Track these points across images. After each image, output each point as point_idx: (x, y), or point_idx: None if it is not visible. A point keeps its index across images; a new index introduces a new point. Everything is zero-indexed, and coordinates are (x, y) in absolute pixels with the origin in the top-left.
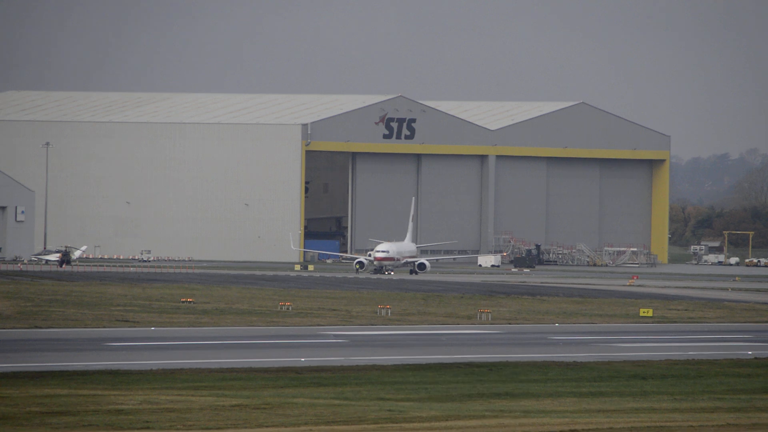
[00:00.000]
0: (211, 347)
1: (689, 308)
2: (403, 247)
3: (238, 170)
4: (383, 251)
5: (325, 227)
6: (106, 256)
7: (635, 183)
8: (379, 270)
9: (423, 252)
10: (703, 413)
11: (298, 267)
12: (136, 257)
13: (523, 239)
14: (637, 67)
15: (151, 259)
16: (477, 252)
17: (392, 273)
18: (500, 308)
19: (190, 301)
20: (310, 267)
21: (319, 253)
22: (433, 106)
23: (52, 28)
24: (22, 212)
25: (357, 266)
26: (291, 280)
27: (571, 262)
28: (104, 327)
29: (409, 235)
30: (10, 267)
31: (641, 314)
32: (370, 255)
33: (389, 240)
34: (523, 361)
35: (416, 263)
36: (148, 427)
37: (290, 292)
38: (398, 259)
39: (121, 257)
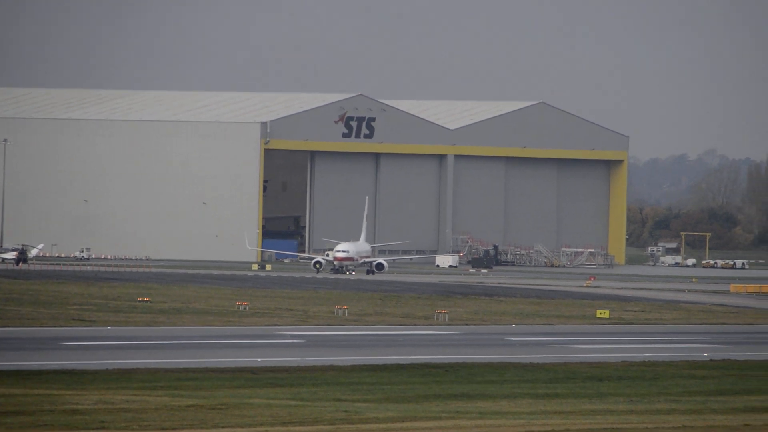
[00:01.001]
0: (167, 347)
1: (646, 309)
2: (360, 247)
3: (196, 168)
4: (343, 251)
5: (283, 226)
6: (63, 255)
7: (593, 183)
8: (339, 270)
9: (380, 252)
10: (659, 415)
11: (255, 266)
12: (74, 255)
13: (481, 239)
14: (595, 66)
15: (91, 257)
16: (435, 252)
17: (353, 273)
18: (457, 309)
19: (146, 301)
20: (268, 266)
21: (276, 253)
22: (392, 105)
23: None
24: None
25: (316, 266)
26: (248, 279)
27: (528, 263)
28: (60, 326)
29: (363, 235)
30: None
31: (598, 315)
32: (328, 255)
33: (344, 240)
34: (479, 362)
35: (374, 263)
36: (103, 427)
37: (247, 291)
38: (357, 259)
39: (79, 255)
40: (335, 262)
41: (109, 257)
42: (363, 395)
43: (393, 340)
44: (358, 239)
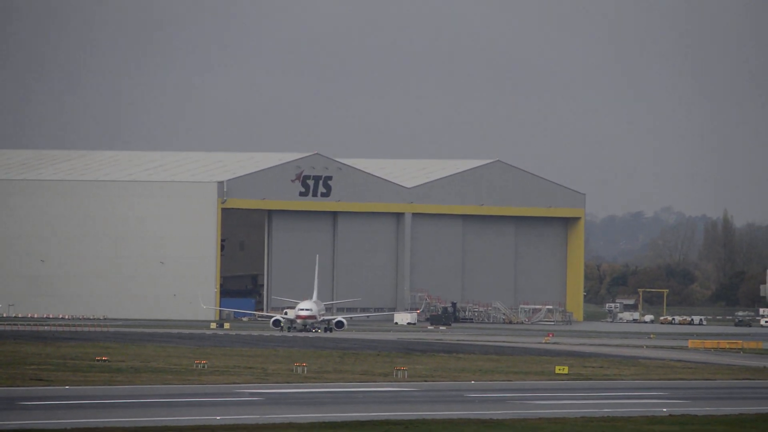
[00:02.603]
0: (126, 406)
1: (604, 365)
2: (319, 305)
3: (153, 228)
4: (306, 309)
5: (241, 285)
6: (20, 315)
7: (551, 240)
8: (303, 329)
9: (339, 310)
10: None
11: (214, 325)
12: None
13: (439, 296)
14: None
15: (14, 315)
16: (393, 309)
17: (319, 331)
18: (417, 366)
19: (104, 360)
20: (226, 325)
21: (234, 312)
22: (349, 163)
23: None
24: None
25: (277, 325)
26: (207, 338)
27: (487, 320)
28: (18, 386)
29: (315, 293)
30: None
31: (557, 371)
32: (286, 313)
33: (298, 299)
34: (439, 419)
35: (334, 321)
36: None
37: (206, 350)
38: (317, 317)
39: (36, 316)
40: (298, 321)
41: (66, 317)
42: None
43: (352, 397)
44: (311, 297)
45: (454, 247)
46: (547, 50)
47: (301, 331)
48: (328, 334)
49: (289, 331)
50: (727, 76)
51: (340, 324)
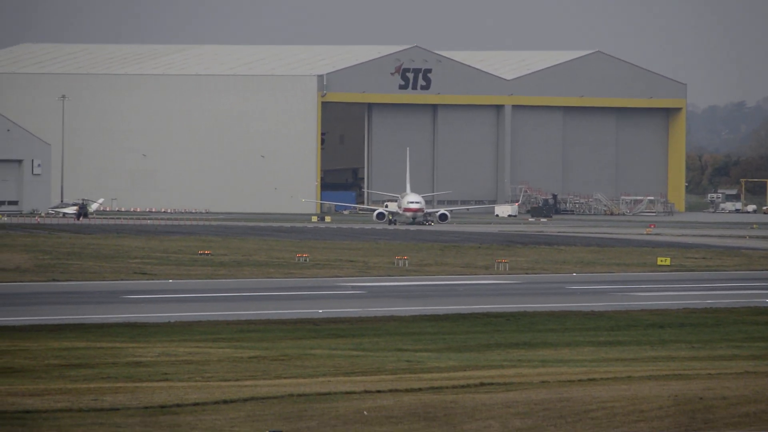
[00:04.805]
0: (229, 299)
1: (707, 256)
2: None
3: (254, 122)
4: (416, 201)
5: (341, 178)
6: (122, 209)
7: (652, 131)
8: (412, 221)
9: (439, 203)
10: (722, 361)
11: (315, 218)
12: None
13: (539, 189)
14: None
15: (117, 209)
16: (494, 202)
17: (432, 223)
18: (518, 258)
19: (207, 254)
20: (327, 218)
21: (335, 205)
22: (448, 56)
23: None
24: (39, 165)
25: (383, 218)
26: (308, 231)
27: (588, 212)
28: (122, 279)
29: (408, 186)
30: (27, 220)
31: (659, 263)
32: (387, 206)
33: (396, 192)
34: (540, 311)
35: (438, 214)
36: (166, 379)
37: (307, 243)
38: (424, 210)
39: (138, 210)
40: (407, 213)
41: (168, 211)
42: (424, 345)
43: (453, 290)
44: (418, 190)
45: (555, 139)
46: None
47: (410, 224)
48: (430, 227)
49: (390, 224)
50: None
51: (444, 216)
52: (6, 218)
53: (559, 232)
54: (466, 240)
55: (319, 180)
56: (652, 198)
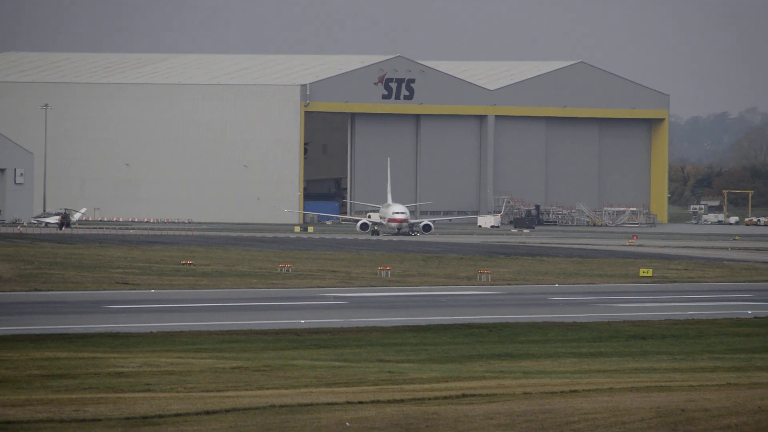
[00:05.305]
0: (211, 309)
1: (689, 268)
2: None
3: (237, 131)
4: (401, 212)
5: (324, 188)
6: (105, 219)
7: (634, 142)
8: (397, 232)
9: (422, 213)
10: (703, 372)
11: (297, 229)
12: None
13: (522, 200)
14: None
15: (100, 219)
16: (476, 212)
17: (418, 234)
18: (500, 269)
19: (189, 264)
20: (310, 229)
21: (318, 215)
22: (432, 66)
23: None
24: (21, 174)
25: (361, 228)
26: (291, 242)
27: (570, 223)
28: (104, 289)
29: (389, 197)
30: (9, 230)
31: (641, 274)
32: (369, 216)
33: (379, 203)
34: (522, 322)
35: (421, 224)
36: (148, 390)
37: (290, 253)
38: (409, 221)
39: (121, 219)
40: (392, 224)
41: (151, 221)
42: (407, 356)
43: (436, 301)
44: (401, 201)
45: (538, 150)
46: None
47: (394, 234)
48: (413, 238)
49: (372, 235)
50: None
51: (427, 227)
52: None
53: (541, 243)
54: (449, 251)
55: (301, 190)
56: (634, 209)
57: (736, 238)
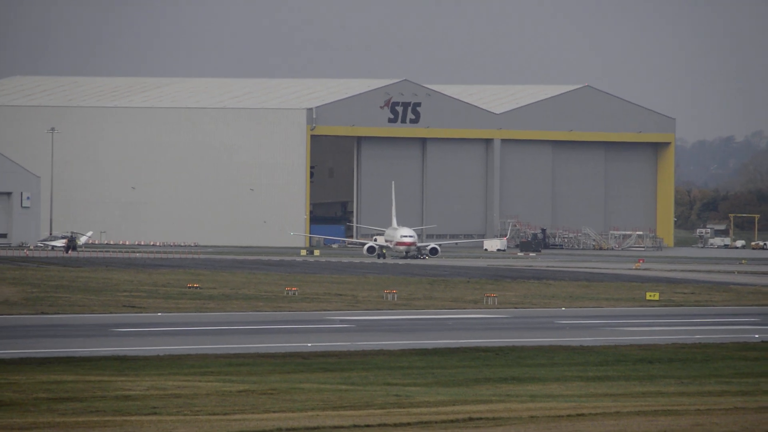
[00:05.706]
0: (218, 333)
1: (696, 291)
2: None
3: (243, 155)
4: (409, 236)
5: (330, 212)
6: (111, 242)
7: (640, 166)
8: (405, 256)
9: (428, 236)
10: (711, 397)
11: (304, 252)
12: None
13: (528, 223)
14: (642, 49)
15: (106, 242)
16: (483, 236)
17: (427, 257)
18: (506, 293)
19: (196, 287)
20: (316, 252)
21: (324, 239)
22: (438, 89)
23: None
24: (28, 198)
25: (368, 252)
26: (297, 265)
27: (577, 246)
28: (111, 313)
29: (394, 220)
30: (16, 253)
31: (648, 298)
32: (376, 240)
33: (385, 226)
34: (529, 346)
35: (428, 248)
36: (155, 413)
37: (296, 277)
38: (417, 244)
39: (127, 243)
40: (400, 248)
41: (157, 244)
42: (413, 379)
43: (442, 324)
44: (408, 224)
45: (544, 173)
46: None
47: (402, 258)
48: (419, 261)
49: (379, 258)
50: None
51: (434, 250)
52: None
53: (547, 267)
54: (455, 274)
55: (308, 213)
56: (641, 233)
57: (743, 261)
